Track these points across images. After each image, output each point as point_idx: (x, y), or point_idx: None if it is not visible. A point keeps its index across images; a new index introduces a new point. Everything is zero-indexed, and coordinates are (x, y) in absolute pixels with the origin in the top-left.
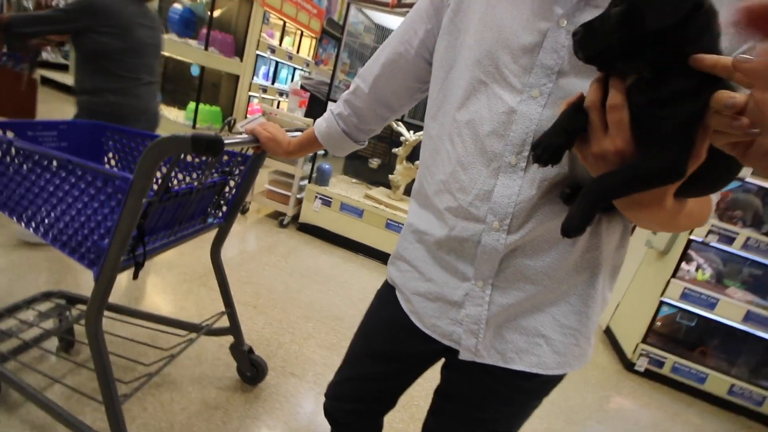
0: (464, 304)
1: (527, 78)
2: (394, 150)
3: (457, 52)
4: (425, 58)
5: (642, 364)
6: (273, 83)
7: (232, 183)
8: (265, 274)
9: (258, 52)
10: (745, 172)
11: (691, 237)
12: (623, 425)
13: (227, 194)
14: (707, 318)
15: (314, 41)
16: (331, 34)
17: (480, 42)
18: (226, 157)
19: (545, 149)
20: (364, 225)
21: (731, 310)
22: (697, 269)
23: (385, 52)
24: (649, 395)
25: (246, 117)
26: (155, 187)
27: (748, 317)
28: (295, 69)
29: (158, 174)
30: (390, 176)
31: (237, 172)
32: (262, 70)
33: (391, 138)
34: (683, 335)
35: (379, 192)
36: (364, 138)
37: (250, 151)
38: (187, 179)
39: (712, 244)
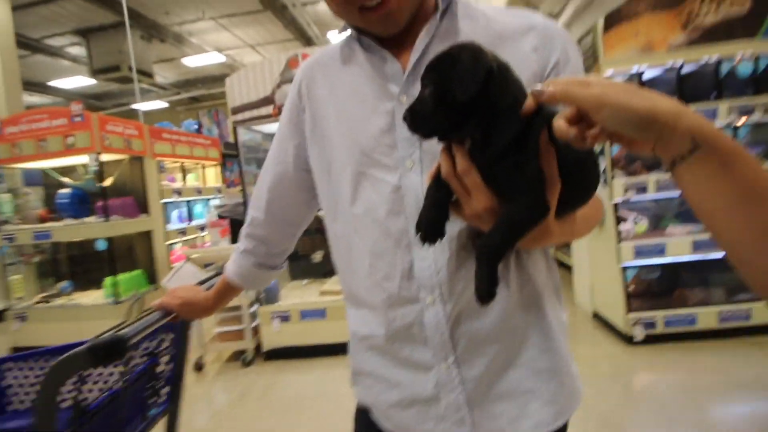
0: (439, 396)
1: (396, 154)
2: None
3: (329, 154)
4: (305, 170)
5: (639, 333)
6: (190, 222)
7: (164, 359)
8: (246, 429)
9: (164, 201)
10: None
11: (614, 201)
12: (656, 399)
13: (163, 374)
14: (665, 263)
15: (219, 167)
16: (233, 155)
17: (343, 139)
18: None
19: (427, 227)
20: (332, 323)
21: (679, 246)
22: (635, 224)
23: (267, 176)
24: (660, 358)
25: (170, 268)
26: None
27: (696, 246)
28: (208, 200)
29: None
30: None
31: (166, 345)
32: (175, 214)
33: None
34: (656, 288)
35: (333, 282)
36: (280, 261)
37: None
38: (106, 379)
39: (633, 199)
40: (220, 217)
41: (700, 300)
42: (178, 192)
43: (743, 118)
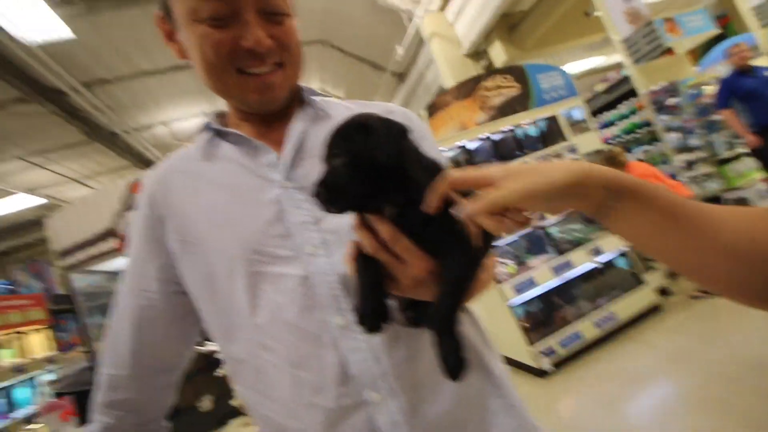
0: None
1: (290, 242)
2: (221, 371)
3: (209, 264)
4: (176, 292)
5: (546, 364)
6: (10, 414)
7: None
8: None
9: None
10: None
11: None
12: (582, 420)
13: None
14: (540, 294)
15: (47, 331)
16: (66, 310)
17: (223, 242)
18: None
19: (369, 316)
20: None
21: (543, 275)
22: (505, 266)
23: (126, 317)
24: (571, 380)
25: None
26: None
27: (556, 271)
28: (32, 379)
29: None
30: (234, 401)
31: None
32: None
33: (207, 361)
34: (542, 317)
35: (236, 426)
36: (159, 428)
37: None
38: None
39: (495, 245)
40: (59, 395)
41: (575, 315)
42: None
43: None
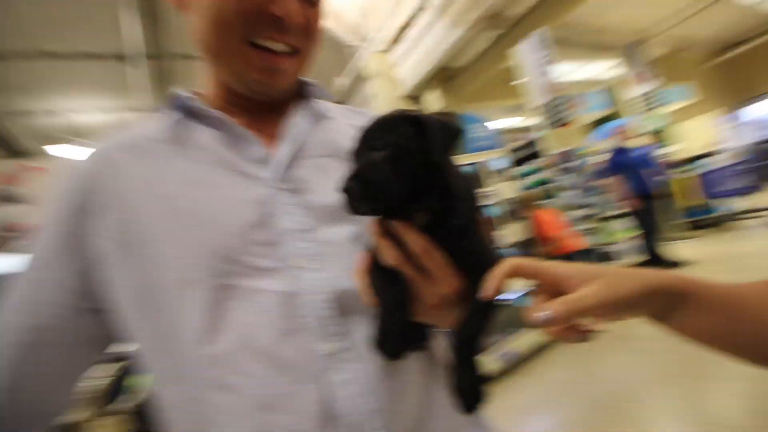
0: None
1: (277, 251)
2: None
3: (153, 272)
4: (88, 309)
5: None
6: None
7: None
8: None
9: None
10: None
11: None
12: None
13: None
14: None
15: None
16: None
17: (186, 245)
18: None
19: (392, 341)
20: None
21: None
22: None
23: (8, 343)
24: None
25: None
26: None
27: None
28: None
29: None
30: None
31: None
32: None
33: None
34: None
35: None
36: None
37: None
38: None
39: None
40: None
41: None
42: None
43: None
